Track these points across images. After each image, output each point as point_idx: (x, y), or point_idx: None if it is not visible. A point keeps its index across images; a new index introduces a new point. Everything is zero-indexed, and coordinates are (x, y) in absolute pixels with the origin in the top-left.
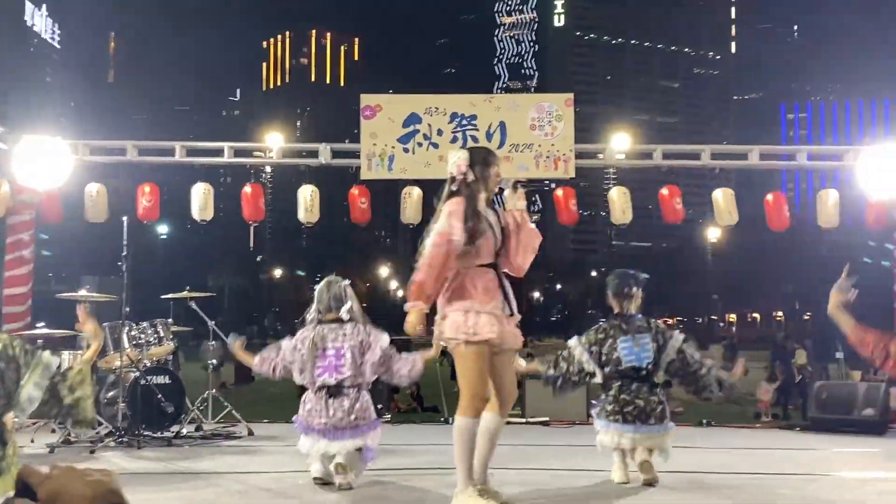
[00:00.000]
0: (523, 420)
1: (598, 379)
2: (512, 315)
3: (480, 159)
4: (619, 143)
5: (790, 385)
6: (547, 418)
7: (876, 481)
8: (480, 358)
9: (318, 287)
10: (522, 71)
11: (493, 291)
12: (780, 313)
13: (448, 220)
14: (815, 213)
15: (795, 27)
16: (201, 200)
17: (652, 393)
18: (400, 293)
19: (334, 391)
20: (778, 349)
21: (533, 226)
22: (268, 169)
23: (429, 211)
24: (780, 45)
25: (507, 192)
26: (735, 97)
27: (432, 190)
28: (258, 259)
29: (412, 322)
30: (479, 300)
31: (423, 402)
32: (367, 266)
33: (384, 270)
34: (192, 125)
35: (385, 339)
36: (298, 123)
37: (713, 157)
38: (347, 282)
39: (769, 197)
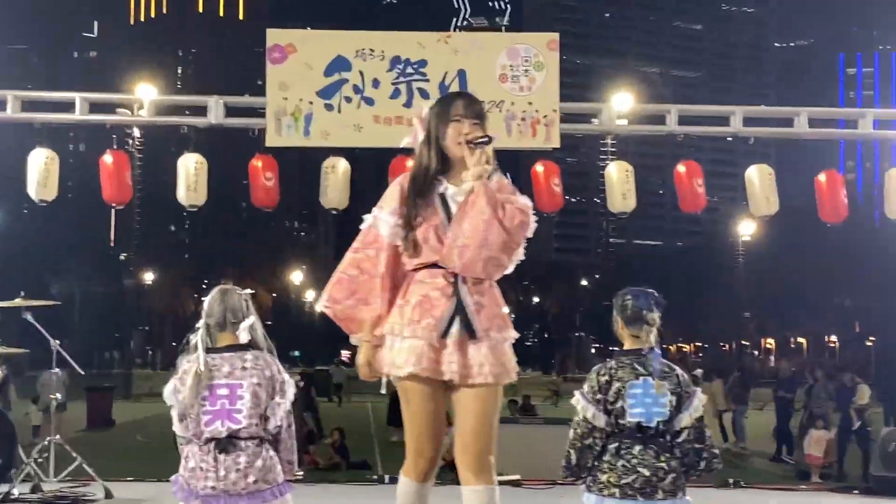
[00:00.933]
0: None
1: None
2: (473, 337)
3: (435, 112)
4: (621, 103)
5: (847, 434)
6: (517, 476)
7: None
8: (415, 399)
9: (207, 298)
10: (490, 3)
11: (433, 304)
12: (833, 338)
13: (376, 207)
14: (882, 200)
15: None
16: (41, 173)
17: (660, 458)
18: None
19: (227, 445)
20: (822, 383)
21: (500, 200)
22: (136, 131)
23: (360, 191)
24: None
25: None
26: (776, 44)
27: (366, 163)
28: (122, 257)
29: (359, 363)
30: (406, 318)
31: (348, 456)
32: (275, 268)
33: (297, 275)
34: (30, 70)
35: (292, 383)
36: (179, 70)
37: (746, 123)
38: (249, 292)
39: (821, 177)
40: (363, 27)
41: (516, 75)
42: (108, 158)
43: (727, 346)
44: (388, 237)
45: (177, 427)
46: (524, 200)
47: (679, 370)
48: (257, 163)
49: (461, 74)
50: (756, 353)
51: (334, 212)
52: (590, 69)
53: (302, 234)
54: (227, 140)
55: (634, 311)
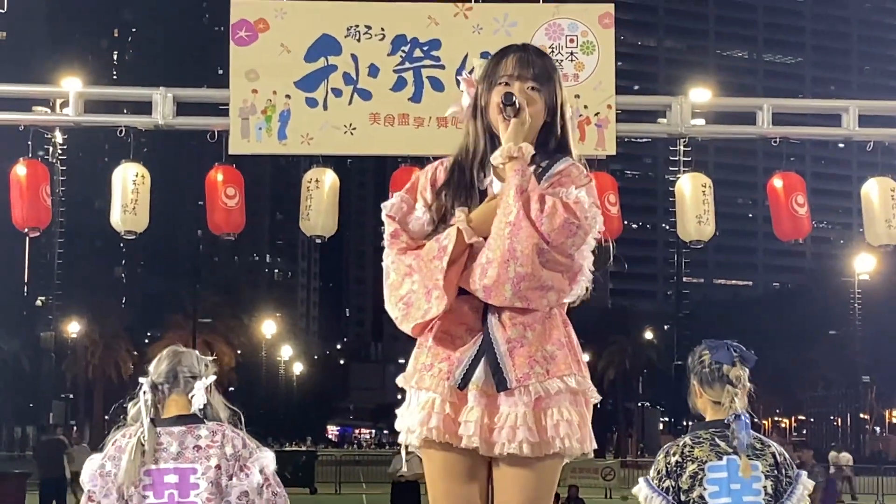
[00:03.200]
0: None
1: None
2: (504, 387)
3: (483, 71)
4: (697, 97)
5: None
6: None
7: None
8: (434, 477)
9: (156, 359)
10: None
11: (453, 343)
12: None
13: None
14: None
15: None
16: None
17: None
18: (299, 368)
19: None
20: None
21: (540, 193)
22: (58, 135)
23: (352, 213)
24: None
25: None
26: None
27: (360, 177)
28: (38, 301)
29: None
30: (419, 363)
31: None
32: (239, 317)
33: (269, 326)
34: None
35: (268, 458)
36: (115, 55)
37: (862, 123)
38: (210, 359)
39: None
40: None
41: (559, 60)
42: (20, 170)
43: (837, 419)
44: (401, 241)
45: None
46: (579, 194)
47: (776, 446)
48: (217, 176)
49: (485, 58)
50: (877, 430)
51: (319, 240)
52: (656, 53)
53: (276, 270)
54: (178, 146)
55: (713, 368)
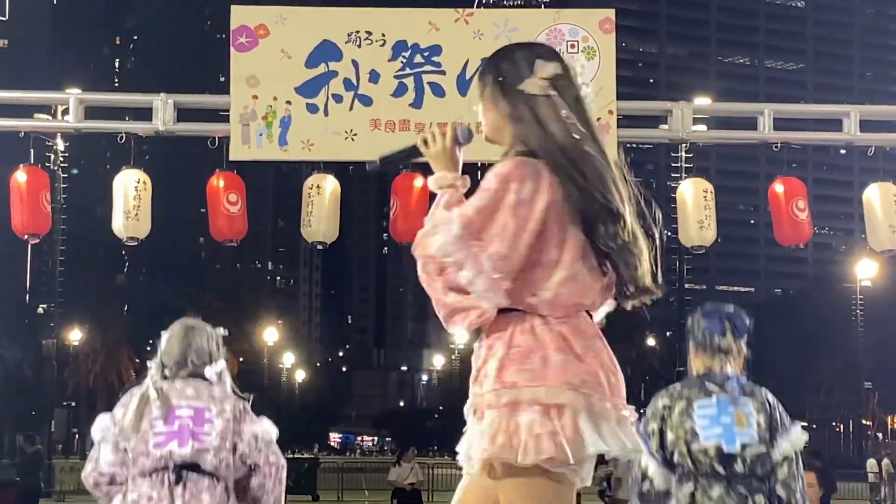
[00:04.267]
0: None
1: (658, 480)
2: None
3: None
4: (699, 103)
5: None
6: None
7: None
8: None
9: (165, 333)
10: None
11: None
12: None
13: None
14: None
15: None
16: None
17: (754, 498)
18: (302, 376)
19: (187, 471)
20: None
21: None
22: (60, 142)
23: (353, 219)
24: None
25: None
26: None
27: (361, 183)
28: (40, 309)
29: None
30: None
31: None
32: (241, 323)
33: (271, 333)
34: None
35: (268, 427)
36: (117, 62)
37: (863, 128)
38: (222, 332)
39: None
40: (357, 2)
41: None
42: (20, 177)
43: (839, 425)
44: None
45: (106, 464)
46: (442, 212)
47: (768, 393)
48: (218, 182)
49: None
50: (879, 436)
51: (320, 247)
52: (658, 59)
53: (278, 277)
54: (179, 152)
55: (705, 335)
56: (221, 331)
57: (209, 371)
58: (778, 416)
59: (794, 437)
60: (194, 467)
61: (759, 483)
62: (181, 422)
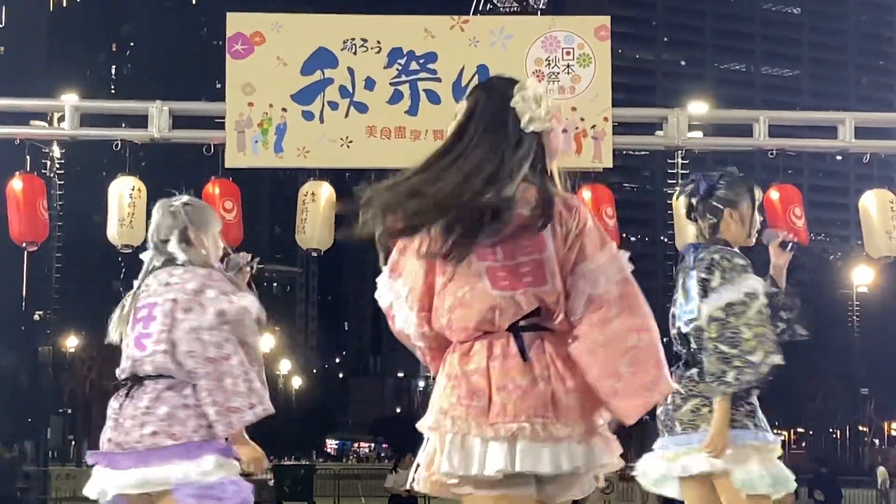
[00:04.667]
0: None
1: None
2: None
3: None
4: (695, 109)
5: None
6: None
7: None
8: None
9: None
10: None
11: None
12: None
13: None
14: None
15: None
16: None
17: (681, 376)
18: (298, 382)
19: (133, 385)
20: None
21: None
22: (56, 149)
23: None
24: None
25: None
26: None
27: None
28: (36, 316)
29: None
30: None
31: None
32: None
33: (268, 339)
34: None
35: (246, 300)
36: (113, 69)
37: (859, 135)
38: (185, 199)
39: None
40: (353, 10)
41: (555, 72)
42: (16, 184)
43: (836, 432)
44: None
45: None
46: None
47: (726, 252)
48: (213, 189)
49: (482, 71)
50: (876, 442)
51: (315, 254)
52: (653, 66)
53: (274, 284)
54: (174, 159)
55: (687, 199)
56: (185, 198)
57: (172, 246)
58: (720, 278)
59: (726, 299)
60: (139, 378)
61: (691, 349)
62: (136, 328)
